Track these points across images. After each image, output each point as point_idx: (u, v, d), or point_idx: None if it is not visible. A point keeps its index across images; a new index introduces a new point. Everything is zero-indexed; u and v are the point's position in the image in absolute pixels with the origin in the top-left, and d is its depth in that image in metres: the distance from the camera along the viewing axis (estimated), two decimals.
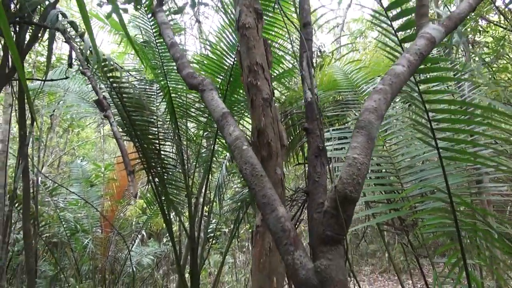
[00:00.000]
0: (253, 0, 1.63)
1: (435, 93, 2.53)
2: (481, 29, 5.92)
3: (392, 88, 1.00)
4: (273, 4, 3.50)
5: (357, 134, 0.94)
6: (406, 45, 1.65)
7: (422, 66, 1.80)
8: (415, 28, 1.28)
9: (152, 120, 4.29)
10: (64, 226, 6.24)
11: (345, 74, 4.17)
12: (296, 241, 0.88)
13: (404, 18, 1.71)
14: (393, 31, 1.77)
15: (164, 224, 7.74)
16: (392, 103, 3.36)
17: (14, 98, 5.03)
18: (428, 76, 2.31)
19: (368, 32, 10.64)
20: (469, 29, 5.46)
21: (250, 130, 1.82)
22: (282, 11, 2.14)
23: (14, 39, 2.84)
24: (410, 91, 2.10)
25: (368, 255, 11.36)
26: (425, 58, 1.18)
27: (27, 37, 3.10)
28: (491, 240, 2.18)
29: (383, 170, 3.05)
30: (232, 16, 3.66)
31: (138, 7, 3.53)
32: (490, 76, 4.59)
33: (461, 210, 2.30)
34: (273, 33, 3.83)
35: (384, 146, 3.03)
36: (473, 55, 4.90)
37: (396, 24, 1.81)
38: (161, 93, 4.41)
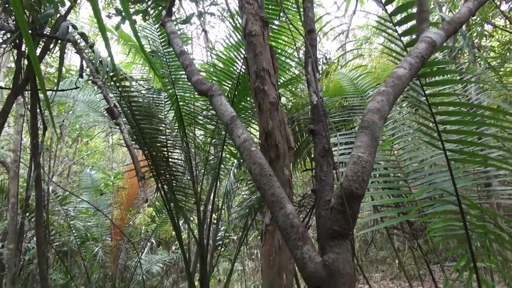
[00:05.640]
0: (259, 9, 1.68)
1: (442, 95, 2.55)
2: (487, 33, 5.92)
3: (395, 90, 1.03)
4: (279, 13, 3.57)
5: (361, 133, 0.97)
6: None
7: (428, 70, 1.83)
8: (416, 32, 1.31)
9: (161, 128, 4.35)
10: (75, 234, 6.30)
11: (351, 80, 4.21)
12: (304, 236, 0.91)
13: (409, 24, 1.74)
14: (398, 36, 1.80)
15: (173, 232, 7.79)
16: (398, 108, 3.39)
17: (26, 109, 5.13)
18: (434, 80, 2.34)
19: (374, 38, 10.68)
20: (474, 34, 5.47)
21: (258, 135, 1.86)
22: (287, 19, 2.19)
23: (27, 51, 2.92)
24: (417, 95, 2.13)
25: (378, 261, 11.26)
26: (428, 62, 1.21)
27: (39, 49, 3.18)
28: (502, 242, 2.18)
29: (391, 174, 3.06)
30: (238, 24, 3.73)
31: (146, 18, 3.61)
32: (497, 80, 4.59)
33: (470, 213, 2.31)
34: (280, 41, 3.89)
35: (392, 151, 3.05)
36: (478, 59, 4.91)
37: (401, 29, 1.85)
38: (169, 102, 4.47)
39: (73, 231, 6.30)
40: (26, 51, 3.02)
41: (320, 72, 6.09)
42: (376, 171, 3.03)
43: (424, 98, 1.92)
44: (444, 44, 1.29)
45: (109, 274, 6.64)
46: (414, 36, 1.97)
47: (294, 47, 4.02)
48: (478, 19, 5.17)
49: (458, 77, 3.08)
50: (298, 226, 0.91)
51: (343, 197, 0.90)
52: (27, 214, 5.42)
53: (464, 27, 4.11)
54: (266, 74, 1.39)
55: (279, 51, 3.93)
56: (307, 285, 0.90)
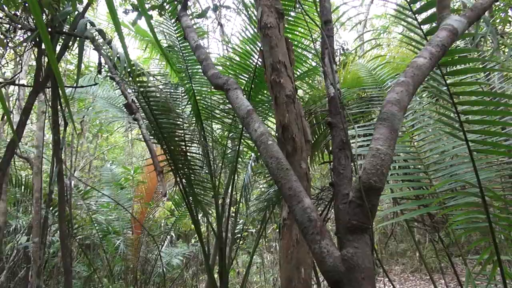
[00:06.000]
0: (274, 0, 1.66)
1: (464, 85, 2.48)
2: (511, 19, 5.72)
3: (414, 80, 1.00)
4: (294, 4, 3.52)
5: (380, 126, 0.95)
6: None
7: (449, 59, 1.78)
8: (437, 20, 1.27)
9: (178, 122, 4.38)
10: (97, 228, 6.44)
11: (369, 70, 4.14)
12: (322, 231, 0.90)
13: (429, 11, 1.69)
14: (417, 25, 1.76)
15: (192, 225, 7.88)
16: (418, 98, 3.32)
17: (47, 106, 5.24)
18: (456, 68, 2.27)
19: (392, 28, 10.47)
20: (498, 20, 5.30)
21: (275, 129, 1.85)
22: (303, 10, 2.16)
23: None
24: (437, 84, 2.07)
25: (398, 254, 11.15)
26: (449, 50, 1.17)
27: (58, 46, 3.23)
28: None
29: (411, 166, 3.01)
30: (254, 17, 3.70)
31: (162, 13, 3.62)
32: None
33: (494, 205, 2.25)
34: (296, 32, 3.85)
35: (411, 142, 2.99)
36: (502, 46, 4.75)
37: (421, 18, 1.80)
38: (186, 96, 4.50)
39: (95, 225, 6.45)
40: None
41: (337, 63, 6.02)
42: (396, 163, 2.98)
43: (445, 87, 1.87)
44: (466, 31, 1.25)
45: (130, 267, 6.78)
46: (434, 24, 1.92)
47: (310, 39, 3.98)
48: (502, 4, 4.99)
49: (480, 66, 2.99)
50: (316, 220, 0.90)
51: (361, 191, 0.88)
52: (51, 208, 5.56)
53: (486, 13, 3.98)
54: (282, 66, 1.38)
55: (295, 43, 3.89)
56: (326, 279, 0.90)
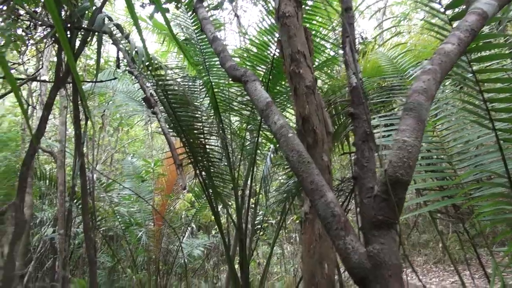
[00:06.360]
0: None
1: (490, 72, 2.39)
2: None
3: (442, 67, 0.96)
4: None
5: (406, 116, 0.91)
6: (456, 24, 1.56)
7: (473, 44, 1.70)
8: (465, 4, 1.21)
9: (197, 115, 4.39)
10: (119, 220, 6.57)
11: (390, 59, 4.04)
12: (346, 226, 0.87)
13: None
14: (441, 10, 1.69)
15: (212, 217, 7.94)
16: (441, 86, 3.22)
17: (69, 101, 5.34)
18: (481, 55, 2.18)
19: (413, 14, 10.19)
20: None
21: (294, 120, 1.81)
22: None
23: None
24: (462, 71, 2.00)
25: (420, 245, 10.99)
26: (477, 35, 1.11)
27: (77, 41, 3.26)
28: None
29: (434, 157, 2.93)
30: (271, 7, 3.65)
31: (179, 6, 3.61)
32: None
33: None
34: (314, 22, 3.78)
35: (435, 132, 2.91)
36: None
37: (445, 2, 1.73)
38: (204, 89, 4.49)
39: (118, 217, 6.57)
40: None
41: (357, 52, 5.90)
42: (419, 154, 2.90)
43: (471, 74, 1.80)
44: None
45: (153, 257, 6.89)
46: (457, 10, 1.84)
47: (329, 28, 3.90)
48: None
49: (507, 51, 2.86)
50: (339, 215, 0.88)
51: (387, 184, 0.85)
52: (75, 201, 5.68)
53: None
54: (301, 56, 1.34)
55: (313, 32, 3.82)
56: (351, 276, 0.87)
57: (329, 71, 4.59)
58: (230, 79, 1.53)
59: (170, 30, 0.99)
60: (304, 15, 3.47)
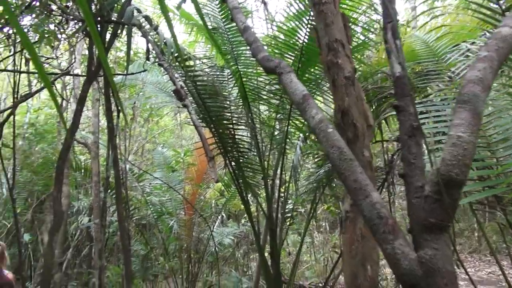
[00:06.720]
0: None
1: None
2: None
3: (499, 54, 0.87)
4: None
5: (460, 109, 0.83)
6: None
7: None
8: None
9: (226, 105, 4.37)
10: (151, 209, 6.70)
11: (425, 42, 3.86)
12: (395, 229, 0.82)
13: None
14: None
15: (241, 206, 7.99)
16: None
17: (101, 93, 5.44)
18: None
19: None
20: None
21: (323, 107, 1.74)
22: None
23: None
24: None
25: (455, 234, 10.68)
26: None
27: (108, 35, 3.29)
28: None
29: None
30: None
31: None
32: None
33: None
34: (344, 5, 3.65)
35: None
36: None
37: None
38: (233, 78, 4.46)
39: (150, 206, 6.71)
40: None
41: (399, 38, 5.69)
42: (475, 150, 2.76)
43: None
44: None
45: (184, 246, 7.02)
46: None
47: (359, 10, 3.77)
48: None
49: None
50: (387, 217, 0.82)
51: (440, 184, 0.79)
52: (109, 191, 5.83)
53: None
54: (339, 45, 1.27)
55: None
56: (400, 283, 0.82)
57: (359, 57, 4.45)
58: (263, 71, 1.48)
59: (202, 18, 0.96)
60: None
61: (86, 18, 0.72)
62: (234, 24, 4.10)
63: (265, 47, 4.18)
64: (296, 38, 3.87)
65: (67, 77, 6.86)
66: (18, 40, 3.31)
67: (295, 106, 1.34)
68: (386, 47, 1.02)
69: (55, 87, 4.10)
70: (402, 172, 0.93)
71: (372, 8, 3.76)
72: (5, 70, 3.80)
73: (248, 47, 4.26)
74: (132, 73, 4.43)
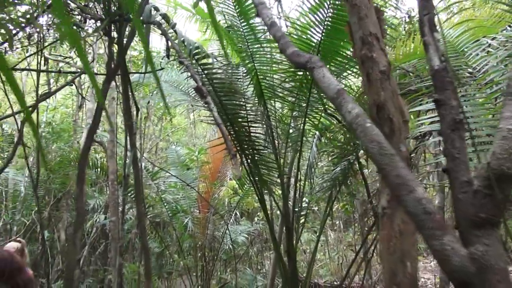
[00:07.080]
0: None
1: None
2: None
3: None
4: None
5: (510, 101, 0.81)
6: None
7: None
8: None
9: (242, 103, 4.37)
10: (166, 207, 6.74)
11: (444, 37, 3.80)
12: (443, 225, 0.80)
13: None
14: None
15: (255, 204, 7.99)
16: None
17: (118, 92, 5.48)
18: None
19: None
20: None
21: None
22: None
23: (117, 37, 3.05)
24: None
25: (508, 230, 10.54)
26: None
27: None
28: None
29: None
30: None
31: None
32: None
33: None
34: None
35: None
36: None
37: None
38: (248, 76, 4.46)
39: (165, 204, 6.75)
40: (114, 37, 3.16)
41: (404, 32, 5.63)
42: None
43: None
44: None
45: (198, 244, 7.05)
46: None
47: (383, 2, 3.74)
48: None
49: None
50: (433, 213, 0.81)
51: (490, 179, 0.77)
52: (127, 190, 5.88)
53: None
54: (373, 39, 1.25)
55: None
56: (451, 280, 0.81)
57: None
58: (294, 66, 1.47)
59: (213, 18, 0.95)
60: None
61: (133, 19, 0.71)
62: (249, 21, 4.10)
63: None
64: (312, 34, 3.84)
65: (83, 76, 6.92)
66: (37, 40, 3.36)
67: (330, 101, 1.32)
68: (424, 40, 1.00)
69: (75, 84, 4.14)
70: (446, 167, 0.91)
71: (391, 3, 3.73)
72: (28, 69, 3.86)
73: (264, 45, 4.25)
74: (150, 72, 4.45)
